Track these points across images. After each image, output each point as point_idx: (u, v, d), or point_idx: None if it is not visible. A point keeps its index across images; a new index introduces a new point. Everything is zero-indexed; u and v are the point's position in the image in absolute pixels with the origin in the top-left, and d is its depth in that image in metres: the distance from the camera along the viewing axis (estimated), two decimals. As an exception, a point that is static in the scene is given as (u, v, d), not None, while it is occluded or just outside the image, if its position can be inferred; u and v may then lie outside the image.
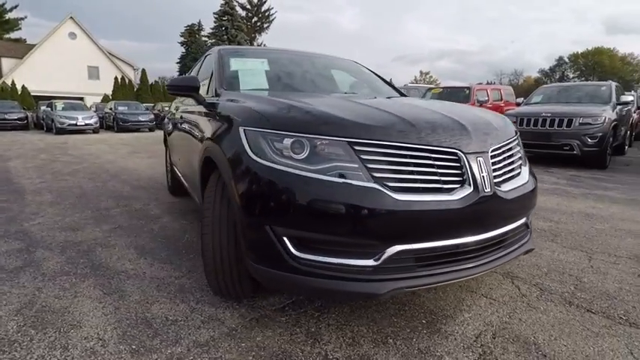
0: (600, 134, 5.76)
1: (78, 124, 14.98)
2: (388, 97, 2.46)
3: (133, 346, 1.56)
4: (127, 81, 28.03)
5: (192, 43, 37.09)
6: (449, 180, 1.48)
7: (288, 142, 1.45)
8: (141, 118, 16.81)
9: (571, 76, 70.64)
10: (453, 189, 1.47)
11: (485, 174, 1.52)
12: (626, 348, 1.58)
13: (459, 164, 1.50)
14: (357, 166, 1.39)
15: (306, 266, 1.41)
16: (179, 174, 3.40)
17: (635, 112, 8.65)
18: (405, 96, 2.87)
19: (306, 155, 1.43)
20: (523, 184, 1.72)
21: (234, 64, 2.54)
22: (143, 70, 28.10)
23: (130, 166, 6.61)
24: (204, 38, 36.08)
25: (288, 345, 1.58)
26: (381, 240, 1.39)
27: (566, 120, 5.97)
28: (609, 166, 6.37)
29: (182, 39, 38.31)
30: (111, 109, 17.73)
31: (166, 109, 19.64)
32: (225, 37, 32.34)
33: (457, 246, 1.49)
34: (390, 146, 1.43)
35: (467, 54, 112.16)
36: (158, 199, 4.15)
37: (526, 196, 1.70)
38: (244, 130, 1.58)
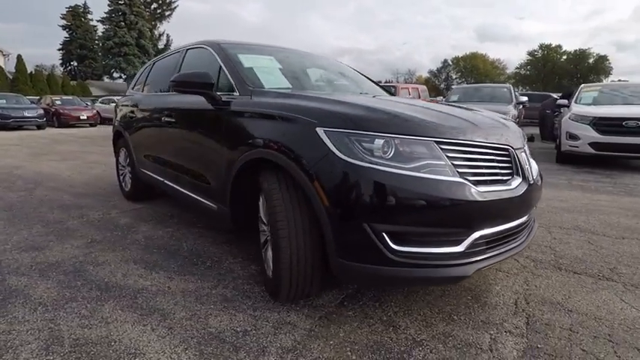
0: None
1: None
2: (392, 96, 2.64)
3: (221, 363, 1.46)
4: (-6, 69, 23.21)
5: (78, 28, 32.36)
6: (505, 172, 1.72)
7: (379, 142, 1.52)
8: (26, 114, 14.17)
9: (454, 77, 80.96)
10: (508, 180, 1.71)
11: (527, 166, 1.81)
12: (616, 296, 2.03)
13: (509, 158, 1.75)
14: (444, 163, 1.53)
15: (405, 258, 1.50)
16: (159, 178, 3.09)
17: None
18: (395, 95, 3.09)
19: (393, 154, 1.52)
20: (539, 173, 2.07)
21: (245, 61, 2.43)
22: (19, 57, 23.51)
23: (46, 171, 5.64)
24: (93, 23, 31.73)
25: (374, 335, 1.66)
26: (467, 228, 1.56)
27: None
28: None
29: (64, 22, 33.10)
30: (-19, 102, 14.56)
31: (58, 102, 16.89)
32: (123, 23, 28.89)
33: (513, 228, 1.74)
34: (467, 144, 1.60)
35: (365, 52, 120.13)
36: (117, 207, 3.68)
37: (541, 184, 2.05)
38: (325, 131, 1.58)
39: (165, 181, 2.97)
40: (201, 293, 2.01)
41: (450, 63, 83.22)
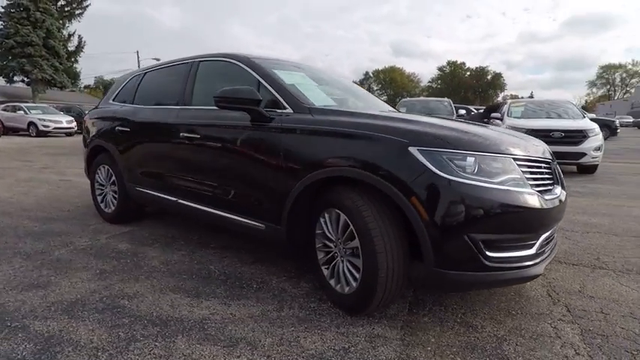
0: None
1: None
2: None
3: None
4: None
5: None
6: (550, 182, 2.00)
7: (470, 160, 1.67)
8: None
9: (375, 88, 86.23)
10: (552, 188, 2.00)
11: (560, 176, 2.12)
12: (615, 281, 2.44)
13: (551, 169, 2.04)
14: (520, 176, 1.74)
15: (496, 263, 1.66)
16: (167, 197, 2.86)
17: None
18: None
19: (482, 170, 1.68)
20: None
21: (284, 77, 2.41)
22: None
23: (-26, 193, 4.76)
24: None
25: (461, 337, 1.79)
26: (539, 232, 1.79)
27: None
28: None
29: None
30: None
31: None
32: (27, 20, 25.10)
33: (554, 229, 2.03)
34: (530, 159, 1.84)
35: None
36: (102, 231, 3.29)
37: None
38: (419, 150, 1.68)
39: (180, 201, 2.77)
40: (271, 317, 1.95)
41: (371, 75, 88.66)
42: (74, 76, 32.81)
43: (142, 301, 2.08)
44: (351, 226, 1.83)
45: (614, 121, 18.90)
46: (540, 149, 2.03)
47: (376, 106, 3.03)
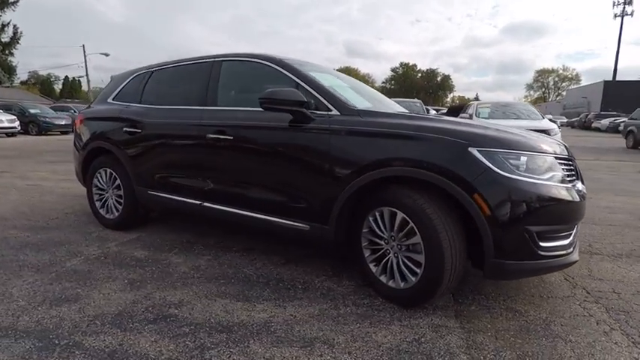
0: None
1: None
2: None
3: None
4: None
5: None
6: (574, 178, 2.22)
7: (524, 159, 1.83)
8: None
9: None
10: (576, 184, 2.22)
11: (580, 172, 2.36)
12: (614, 264, 2.74)
13: (573, 167, 2.26)
14: (560, 173, 1.93)
15: (546, 252, 1.84)
16: (189, 201, 2.76)
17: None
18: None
19: (533, 168, 1.84)
20: None
21: (321, 79, 2.42)
22: None
23: None
24: None
25: (513, 321, 1.93)
26: (575, 223, 1.99)
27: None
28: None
29: None
30: None
31: None
32: None
33: (579, 221, 2.26)
34: (562, 157, 2.04)
35: None
36: (107, 238, 3.10)
37: None
38: (479, 150, 1.81)
39: (205, 204, 2.69)
40: (332, 315, 1.98)
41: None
42: (9, 70, 29.73)
43: (192, 309, 2.02)
44: (411, 223, 1.92)
45: (556, 122, 20.69)
46: (565, 148, 2.24)
47: (394, 107, 3.14)
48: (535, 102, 69.13)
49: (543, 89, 64.81)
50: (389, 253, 2.09)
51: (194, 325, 1.86)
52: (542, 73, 65.72)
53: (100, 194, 3.38)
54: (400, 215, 1.97)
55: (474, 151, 1.82)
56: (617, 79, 44.59)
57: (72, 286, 2.26)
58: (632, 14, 44.29)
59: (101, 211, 3.37)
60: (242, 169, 2.52)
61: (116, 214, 3.26)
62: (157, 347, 1.68)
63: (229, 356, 1.63)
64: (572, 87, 59.45)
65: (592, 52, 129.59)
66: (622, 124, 14.80)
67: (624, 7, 43.54)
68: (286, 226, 2.35)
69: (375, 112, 2.23)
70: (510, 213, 1.77)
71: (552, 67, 68.27)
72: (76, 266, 2.56)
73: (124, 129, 3.07)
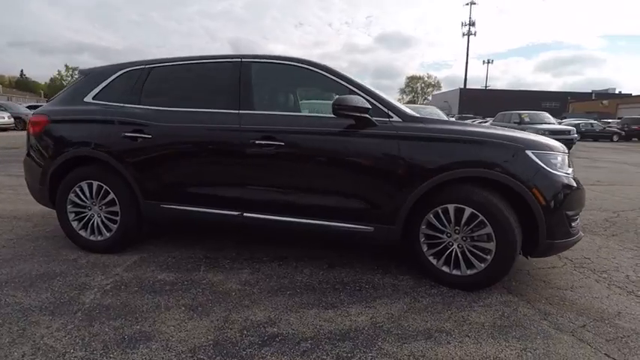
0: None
1: None
2: None
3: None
4: None
5: None
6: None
7: (559, 158, 2.29)
8: None
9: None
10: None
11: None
12: (611, 243, 3.50)
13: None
14: (572, 168, 2.47)
15: (573, 231, 2.34)
16: (220, 212, 2.54)
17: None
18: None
19: (562, 165, 2.32)
20: None
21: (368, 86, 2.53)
22: None
23: None
24: None
25: (560, 294, 2.40)
26: (583, 207, 2.56)
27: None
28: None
29: None
30: None
31: None
32: None
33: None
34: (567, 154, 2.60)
35: (112, 52, 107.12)
36: (106, 264, 2.60)
37: None
38: (533, 153, 2.19)
39: (247, 214, 2.52)
40: (419, 307, 2.13)
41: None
42: None
43: (289, 324, 1.93)
44: (481, 217, 2.21)
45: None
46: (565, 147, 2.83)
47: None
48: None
49: (413, 94, 74.41)
50: (451, 245, 2.35)
51: (309, 339, 1.80)
52: (412, 80, 75.42)
53: (79, 212, 2.79)
54: (469, 210, 2.24)
55: (530, 153, 2.20)
56: (468, 87, 54.25)
57: (124, 324, 1.89)
58: (475, 34, 54.60)
59: (81, 232, 2.79)
60: (295, 176, 2.46)
61: (107, 234, 2.75)
62: (296, 367, 1.60)
63: (373, 358, 1.66)
64: (435, 92, 69.76)
65: (446, 63, 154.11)
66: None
67: (469, 28, 53.75)
68: (348, 230, 2.40)
69: (435, 119, 2.46)
70: (556, 202, 2.20)
71: (420, 75, 78.86)
72: (99, 301, 2.12)
73: (124, 134, 2.62)
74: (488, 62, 57.20)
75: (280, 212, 2.49)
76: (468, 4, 53.34)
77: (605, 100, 42.14)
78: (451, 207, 2.29)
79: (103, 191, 2.72)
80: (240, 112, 2.53)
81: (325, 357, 1.68)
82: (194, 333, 1.84)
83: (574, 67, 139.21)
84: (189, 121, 2.60)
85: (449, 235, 2.34)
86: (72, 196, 2.77)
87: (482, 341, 1.82)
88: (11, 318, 1.92)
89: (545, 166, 2.20)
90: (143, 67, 2.82)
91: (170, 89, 2.77)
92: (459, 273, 2.33)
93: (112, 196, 2.70)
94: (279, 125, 2.46)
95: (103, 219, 2.76)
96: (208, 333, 1.84)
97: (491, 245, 2.21)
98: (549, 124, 14.52)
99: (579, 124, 22.50)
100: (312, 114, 2.58)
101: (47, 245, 2.93)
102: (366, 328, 1.91)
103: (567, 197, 2.24)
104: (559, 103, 48.82)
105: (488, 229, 2.21)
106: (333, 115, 2.33)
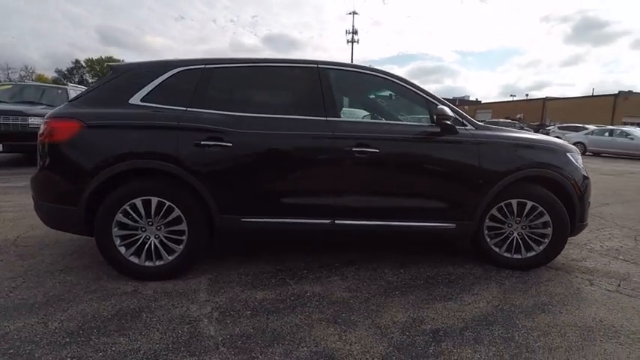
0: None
1: None
2: None
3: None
4: None
5: None
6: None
7: (580, 158, 2.92)
8: None
9: (90, 79, 73.07)
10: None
11: None
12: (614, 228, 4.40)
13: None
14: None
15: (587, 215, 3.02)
16: (311, 221, 2.47)
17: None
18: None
19: (582, 163, 2.97)
20: None
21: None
22: None
23: None
24: None
25: (574, 279, 3.04)
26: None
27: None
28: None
29: None
30: None
31: None
32: None
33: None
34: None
35: None
36: (181, 292, 2.28)
37: None
38: (571, 155, 2.77)
39: (338, 221, 2.50)
40: (514, 290, 2.47)
41: (84, 64, 74.94)
42: None
43: (435, 319, 2.06)
44: (541, 208, 2.68)
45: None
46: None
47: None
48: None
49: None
50: (512, 234, 2.78)
51: (467, 329, 1.97)
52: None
53: (131, 235, 2.34)
54: (530, 203, 2.70)
55: (570, 155, 2.78)
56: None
57: (290, 349, 1.76)
58: (358, 42, 59.73)
59: (132, 258, 2.35)
60: (387, 181, 2.55)
61: (169, 258, 2.38)
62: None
63: (537, 338, 1.93)
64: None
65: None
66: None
67: (353, 36, 58.78)
68: (434, 228, 2.63)
69: (493, 127, 2.85)
70: (585, 192, 2.83)
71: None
72: (227, 331, 1.89)
73: (198, 142, 2.31)
74: (370, 69, 63.05)
75: (371, 217, 2.56)
76: (350, 13, 58.04)
77: (466, 106, 51.21)
78: (514, 201, 2.71)
79: (165, 209, 2.34)
80: (329, 119, 2.51)
81: (496, 339, 1.88)
82: (365, 344, 1.83)
83: (436, 76, 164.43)
84: (273, 128, 2.44)
85: (510, 225, 2.76)
86: (120, 216, 2.31)
87: (579, 306, 2.27)
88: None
89: (577, 164, 2.81)
90: (203, 66, 2.51)
91: (242, 93, 2.56)
92: (519, 256, 2.77)
93: (176, 213, 2.35)
94: (373, 133, 2.53)
95: (163, 240, 2.38)
96: (378, 341, 1.85)
97: (549, 230, 2.72)
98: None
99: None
100: (403, 122, 2.70)
101: (79, 279, 2.37)
102: (494, 311, 2.17)
103: (588, 187, 2.90)
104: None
105: (546, 218, 2.70)
106: (419, 124, 2.53)
